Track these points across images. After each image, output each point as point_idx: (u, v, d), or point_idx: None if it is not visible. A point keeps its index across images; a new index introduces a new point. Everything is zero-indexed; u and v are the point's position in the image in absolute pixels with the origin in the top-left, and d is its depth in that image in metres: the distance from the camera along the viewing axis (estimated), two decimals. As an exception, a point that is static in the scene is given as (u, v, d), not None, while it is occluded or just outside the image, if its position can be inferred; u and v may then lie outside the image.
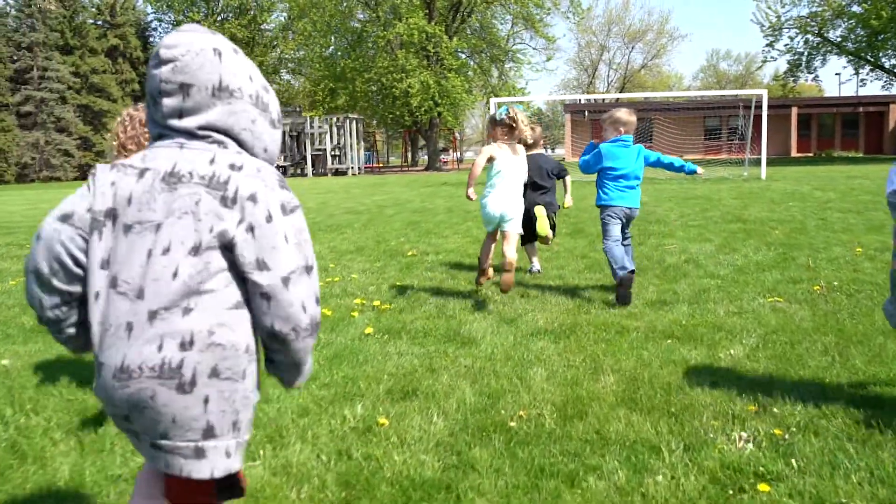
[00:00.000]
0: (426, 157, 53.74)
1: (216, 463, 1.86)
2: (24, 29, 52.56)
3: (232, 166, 1.87)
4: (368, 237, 11.08)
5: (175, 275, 1.81)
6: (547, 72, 79.84)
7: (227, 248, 1.83)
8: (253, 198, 1.84)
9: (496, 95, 44.27)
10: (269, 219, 1.84)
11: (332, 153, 45.47)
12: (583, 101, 57.69)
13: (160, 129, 1.94)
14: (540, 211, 7.02)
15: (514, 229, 6.02)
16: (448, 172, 43.71)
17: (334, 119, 45.21)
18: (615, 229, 6.29)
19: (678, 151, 45.72)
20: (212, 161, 1.87)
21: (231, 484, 2.07)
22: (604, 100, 61.90)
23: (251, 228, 1.82)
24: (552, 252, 8.97)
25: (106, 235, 1.88)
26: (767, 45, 48.70)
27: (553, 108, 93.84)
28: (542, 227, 6.99)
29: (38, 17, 52.33)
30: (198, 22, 53.42)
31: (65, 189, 34.89)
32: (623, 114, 6.34)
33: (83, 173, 53.08)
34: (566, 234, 10.51)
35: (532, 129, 7.12)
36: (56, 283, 1.93)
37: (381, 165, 58.56)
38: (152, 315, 1.81)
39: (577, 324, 5.40)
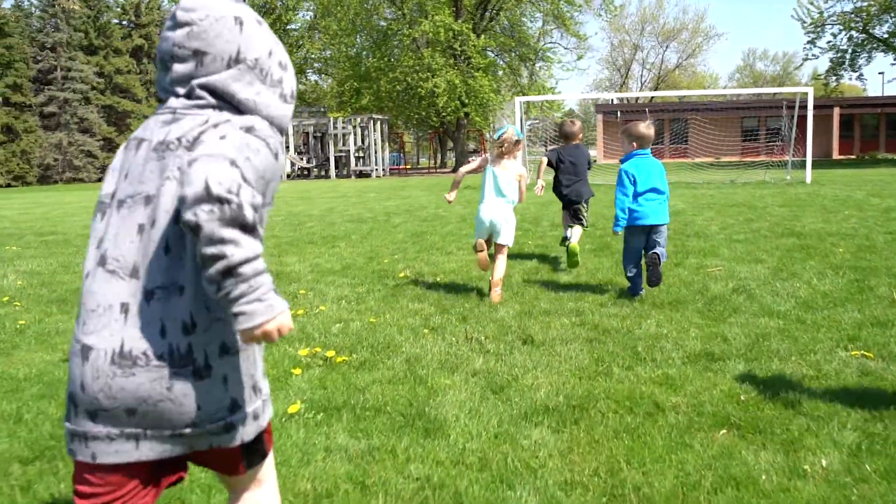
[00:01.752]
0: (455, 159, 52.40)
1: (246, 429, 1.77)
2: (48, 29, 52.17)
3: (215, 125, 1.70)
4: (361, 252, 9.63)
5: (166, 249, 1.66)
6: (578, 71, 78.66)
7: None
8: (199, 140, 1.69)
9: (525, 95, 43.16)
10: (197, 143, 1.68)
11: (356, 155, 44.19)
12: (615, 102, 56.10)
13: (164, 95, 1.82)
14: (576, 235, 7.76)
15: (505, 241, 6.55)
16: (477, 175, 42.05)
17: (358, 120, 43.93)
18: (637, 244, 6.41)
19: (714, 153, 44.42)
20: (203, 125, 1.71)
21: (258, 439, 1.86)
22: (637, 99, 60.22)
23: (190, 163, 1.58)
24: (571, 276, 7.45)
25: (106, 215, 1.76)
26: (808, 42, 46.59)
27: (585, 109, 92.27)
28: (575, 247, 7.49)
29: (62, 17, 51.92)
30: (222, 21, 53.15)
31: (74, 191, 34.13)
32: (641, 127, 6.36)
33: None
34: (589, 251, 8.97)
35: (573, 122, 8.40)
36: None
37: (408, 167, 57.15)
38: (149, 295, 1.65)
39: (592, 396, 3.88)
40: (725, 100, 56.64)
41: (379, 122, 44.81)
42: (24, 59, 49.62)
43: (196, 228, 1.50)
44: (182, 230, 1.62)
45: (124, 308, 1.66)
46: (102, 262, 1.71)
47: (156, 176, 1.70)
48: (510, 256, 7.91)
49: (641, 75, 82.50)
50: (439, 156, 61.76)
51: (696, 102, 50.59)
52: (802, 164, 24.11)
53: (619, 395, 3.88)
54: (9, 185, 47.54)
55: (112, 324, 1.66)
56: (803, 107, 23.72)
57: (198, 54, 1.76)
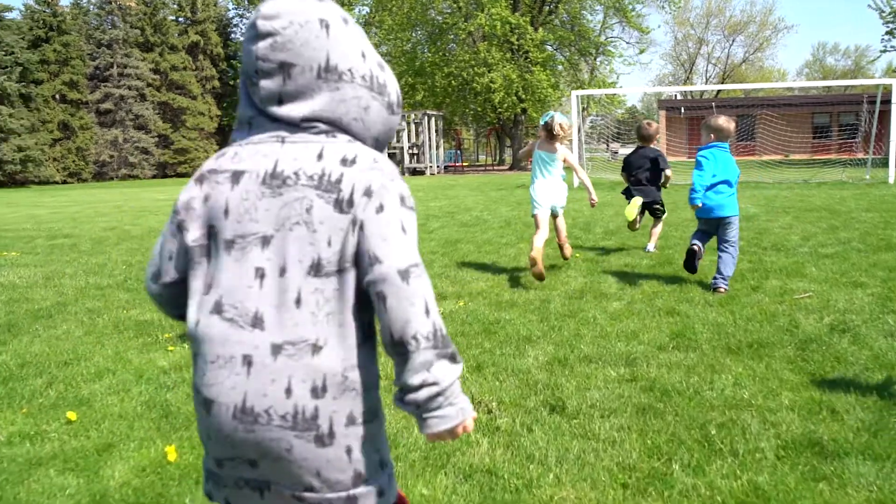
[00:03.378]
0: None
1: None
2: (105, 26, 52.36)
3: (344, 161, 1.56)
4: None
5: (298, 302, 1.51)
6: (640, 65, 76.29)
7: (356, 265, 1.52)
8: (368, 191, 1.53)
9: (585, 90, 41.85)
10: (379, 209, 1.52)
11: (410, 151, 43.03)
12: (678, 97, 54.06)
13: (255, 115, 1.62)
14: (636, 200, 8.23)
15: (561, 209, 7.35)
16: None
17: (412, 116, 42.79)
18: (705, 229, 6.67)
19: (783, 150, 42.50)
20: (320, 156, 1.56)
21: None
22: (702, 94, 58.03)
23: (361, 226, 1.51)
24: (624, 301, 6.08)
25: (212, 256, 1.60)
26: (887, 33, 43.94)
27: (648, 106, 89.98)
28: (630, 211, 8.08)
29: (118, 14, 52.05)
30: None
31: (126, 188, 33.74)
32: (721, 120, 6.57)
33: (161, 171, 52.82)
34: (649, 267, 7.57)
35: (649, 124, 8.83)
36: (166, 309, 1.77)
37: (465, 165, 55.83)
38: (276, 349, 1.50)
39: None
40: (795, 94, 54.12)
41: (434, 118, 43.62)
42: (80, 57, 49.85)
43: (405, 356, 1.48)
44: (323, 285, 1.51)
45: (247, 361, 1.50)
46: (217, 309, 1.54)
47: (272, 215, 1.53)
48: (549, 268, 7.62)
49: (706, 70, 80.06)
50: (497, 153, 60.34)
51: (763, 98, 48.42)
52: (883, 163, 22.19)
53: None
54: (65, 182, 47.82)
55: (233, 377, 1.51)
56: (885, 101, 21.81)
57: (284, 67, 1.56)
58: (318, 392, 1.51)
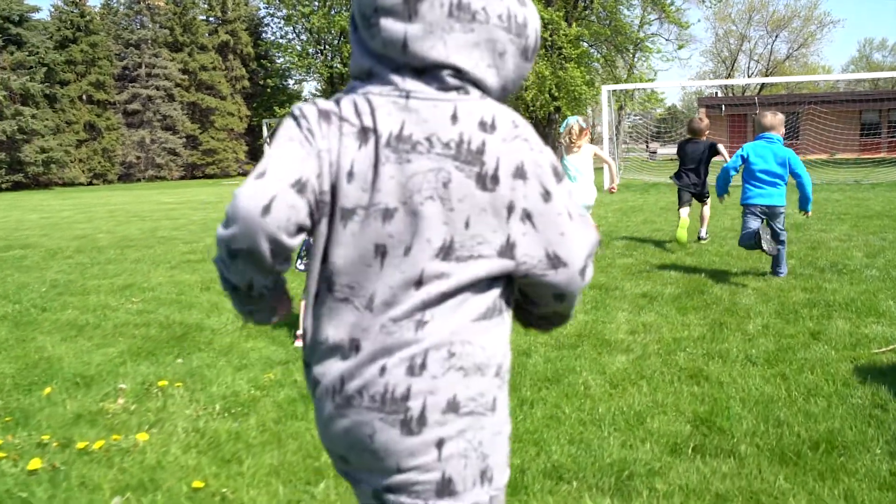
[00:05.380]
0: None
1: None
2: (133, 26, 51.88)
3: (483, 125, 1.34)
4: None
5: (419, 283, 1.33)
6: (679, 62, 73.47)
7: (503, 255, 1.35)
8: (520, 172, 1.34)
9: (624, 89, 40.32)
10: (546, 196, 1.35)
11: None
12: (719, 95, 52.12)
13: (372, 64, 1.37)
14: (683, 222, 8.72)
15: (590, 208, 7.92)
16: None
17: (440, 114, 41.34)
18: (753, 223, 6.60)
19: (829, 149, 40.74)
20: (454, 117, 1.33)
21: None
22: (743, 91, 55.97)
23: (528, 216, 1.34)
24: (633, 358, 4.49)
25: (322, 224, 1.35)
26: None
27: (688, 104, 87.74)
28: (681, 234, 8.59)
29: (147, 14, 51.56)
30: (307, 17, 51.80)
31: (147, 189, 32.79)
32: (767, 116, 6.78)
33: (189, 173, 52.15)
34: (673, 297, 5.96)
35: (700, 119, 9.49)
36: (277, 265, 1.34)
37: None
38: (382, 328, 1.33)
39: None
40: (842, 91, 51.88)
41: (461, 117, 42.14)
42: (108, 57, 49.31)
43: (564, 305, 1.46)
44: (450, 269, 1.33)
45: (353, 343, 1.35)
46: (330, 286, 1.37)
47: (397, 185, 1.31)
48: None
49: (748, 67, 77.59)
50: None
51: (808, 94, 46.35)
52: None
53: None
54: (90, 184, 47.33)
55: (336, 361, 1.37)
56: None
57: (410, 1, 1.31)
58: (414, 370, 1.32)
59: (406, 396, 1.31)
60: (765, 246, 6.32)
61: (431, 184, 1.31)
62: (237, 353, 4.94)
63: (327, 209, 1.33)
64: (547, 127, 45.69)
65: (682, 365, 4.27)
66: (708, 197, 9.24)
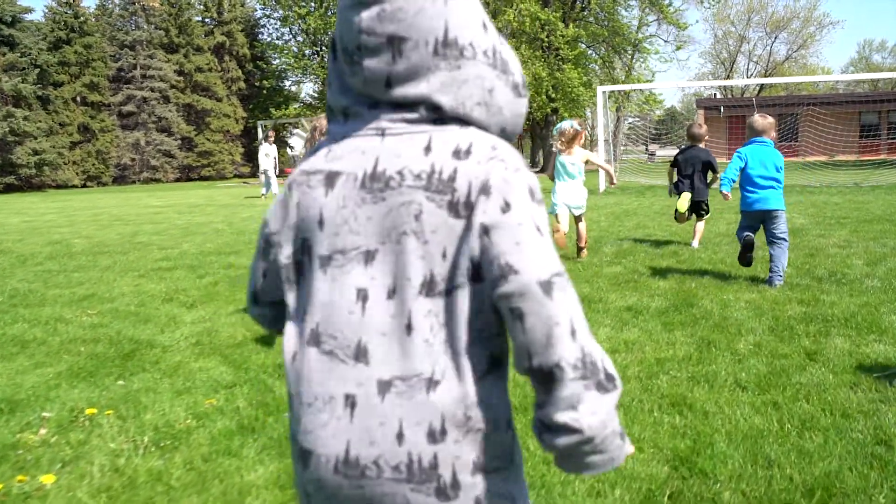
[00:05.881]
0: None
1: None
2: (128, 27, 51.55)
3: (457, 153, 1.28)
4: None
5: (409, 328, 1.25)
6: (677, 63, 73.12)
7: (473, 279, 1.25)
8: (485, 188, 1.25)
9: (622, 90, 39.96)
10: (505, 208, 1.24)
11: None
12: (717, 97, 51.80)
13: (351, 103, 1.34)
14: (686, 195, 8.62)
15: (580, 211, 8.10)
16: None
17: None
18: (749, 226, 6.64)
19: (828, 151, 40.54)
20: (427, 149, 1.28)
21: None
22: (742, 93, 55.63)
23: (486, 231, 1.23)
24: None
25: (306, 277, 1.36)
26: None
27: (688, 106, 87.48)
28: (682, 203, 8.51)
29: (142, 16, 51.21)
30: (303, 18, 51.47)
31: (137, 192, 32.37)
32: (755, 117, 6.83)
33: (185, 175, 51.77)
34: (660, 311, 5.57)
35: (700, 125, 9.49)
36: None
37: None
38: (384, 386, 1.26)
39: None
40: (841, 92, 51.55)
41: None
42: (102, 58, 48.90)
43: (551, 385, 1.21)
44: (438, 307, 1.25)
45: (349, 401, 1.27)
46: (315, 340, 1.31)
47: (375, 225, 1.28)
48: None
49: (747, 69, 77.29)
50: (531, 154, 58.47)
51: (806, 96, 46.06)
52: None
53: None
54: (84, 186, 46.90)
55: (334, 422, 1.27)
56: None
57: (394, 42, 1.27)
58: (435, 436, 1.25)
59: (434, 465, 1.24)
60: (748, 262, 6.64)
61: (404, 218, 1.25)
62: (183, 374, 4.54)
63: (292, 277, 1.36)
64: (544, 129, 45.34)
65: (665, 391, 3.87)
66: (705, 212, 9.11)
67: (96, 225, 15.64)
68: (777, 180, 6.52)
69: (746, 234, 6.51)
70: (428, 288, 1.25)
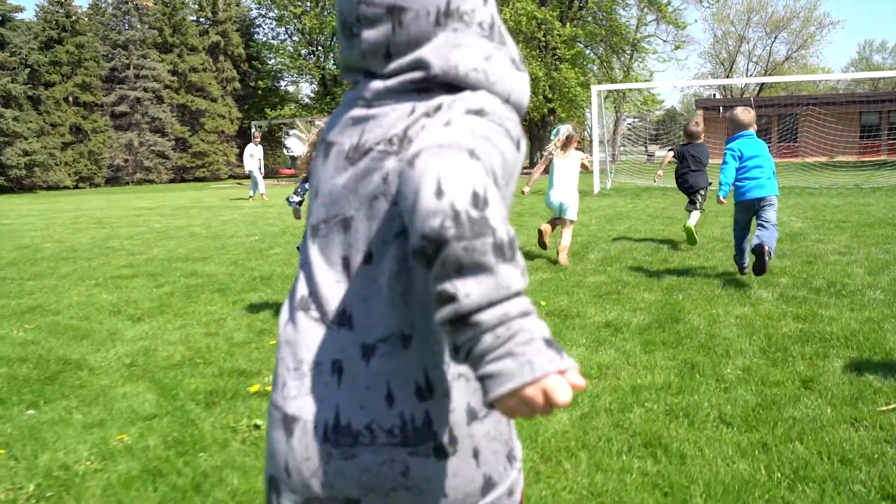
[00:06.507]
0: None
1: None
2: (121, 27, 51.10)
3: (430, 112, 1.20)
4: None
5: (386, 289, 1.22)
6: (676, 63, 72.64)
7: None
8: (428, 114, 1.21)
9: (620, 90, 39.56)
10: (425, 129, 1.17)
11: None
12: (717, 97, 51.39)
13: (355, 76, 1.32)
14: (695, 216, 8.91)
15: (571, 217, 8.06)
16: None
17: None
18: (744, 218, 6.68)
19: (828, 152, 40.25)
20: (409, 114, 1.21)
21: None
22: (742, 93, 55.21)
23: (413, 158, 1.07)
24: (577, 417, 3.60)
25: (305, 245, 1.35)
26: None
27: (687, 106, 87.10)
28: (690, 229, 8.63)
29: (135, 15, 50.76)
30: (299, 17, 50.99)
31: (125, 193, 31.89)
32: (738, 111, 6.85)
33: (179, 176, 51.32)
34: (641, 327, 5.08)
35: (696, 123, 9.66)
36: None
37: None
38: (368, 351, 1.22)
39: None
40: (841, 92, 51.15)
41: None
42: (95, 58, 48.42)
43: (427, 255, 0.97)
44: (401, 262, 1.20)
45: (336, 367, 1.22)
46: (304, 305, 1.29)
47: (352, 193, 1.25)
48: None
49: (747, 69, 76.83)
50: (529, 155, 58.11)
51: (806, 96, 45.67)
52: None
53: None
54: (76, 187, 46.44)
55: (321, 387, 1.23)
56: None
57: (394, 12, 1.23)
58: (423, 392, 1.21)
59: (428, 423, 1.19)
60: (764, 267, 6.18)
61: (375, 182, 1.20)
62: (104, 402, 4.05)
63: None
64: (541, 129, 44.87)
65: (637, 427, 3.37)
66: (701, 202, 9.13)
67: (73, 228, 15.16)
68: (769, 167, 6.59)
69: (756, 244, 6.11)
70: (397, 246, 1.19)
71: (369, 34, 1.24)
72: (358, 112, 1.27)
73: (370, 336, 1.20)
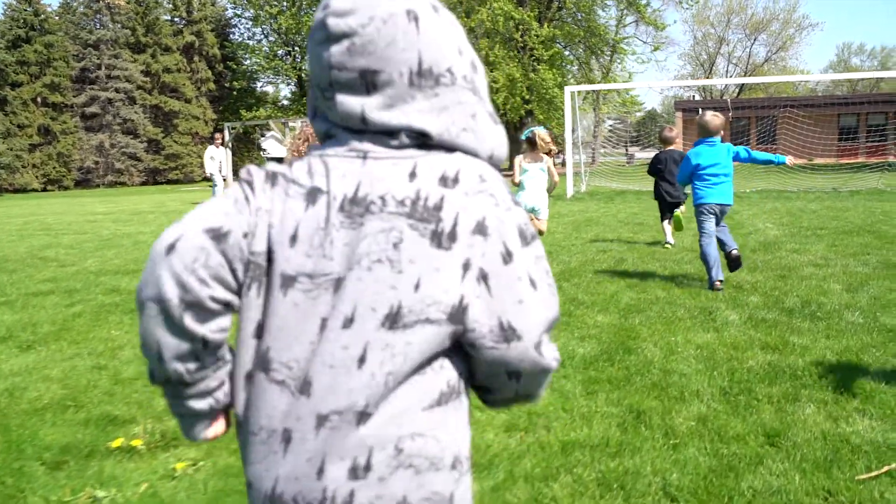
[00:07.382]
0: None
1: None
2: (92, 26, 50.12)
3: (444, 180, 1.20)
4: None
5: (362, 361, 1.16)
6: (655, 63, 72.24)
7: (452, 319, 1.17)
8: (481, 228, 1.19)
9: (599, 91, 39.14)
10: (507, 257, 1.19)
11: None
12: (696, 98, 51.15)
13: (329, 127, 1.28)
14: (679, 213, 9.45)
15: (543, 217, 7.83)
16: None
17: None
18: (709, 225, 6.66)
19: (807, 154, 40.00)
20: (412, 175, 1.21)
21: None
22: (721, 95, 55.02)
23: (484, 277, 1.18)
24: (536, 462, 2.93)
25: (263, 292, 1.22)
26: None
27: (667, 108, 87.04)
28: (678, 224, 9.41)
29: (107, 14, 49.79)
30: (275, 17, 50.15)
31: (100, 195, 31.01)
32: (707, 117, 6.90)
33: (151, 178, 50.36)
34: (604, 345, 4.42)
35: (671, 129, 10.23)
36: (188, 322, 1.15)
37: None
38: (321, 421, 1.16)
39: None
40: (819, 95, 51.07)
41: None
42: (64, 58, 47.45)
43: (523, 387, 1.25)
44: (397, 341, 1.15)
45: (286, 436, 1.17)
46: (265, 366, 1.19)
47: (348, 251, 1.18)
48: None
49: (727, 70, 76.82)
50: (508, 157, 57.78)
51: (786, 98, 45.50)
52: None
53: None
54: (45, 190, 45.48)
55: (270, 457, 1.18)
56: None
57: (366, 75, 1.21)
58: (358, 472, 1.15)
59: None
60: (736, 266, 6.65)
61: (381, 245, 1.17)
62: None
63: (261, 274, 1.20)
64: (518, 131, 44.32)
65: (598, 470, 2.71)
66: (678, 205, 9.53)
67: (17, 235, 14.41)
68: (729, 175, 6.73)
69: (732, 253, 6.58)
70: (392, 320, 1.15)
71: (343, 98, 1.21)
72: (349, 164, 1.20)
73: (325, 406, 1.14)
